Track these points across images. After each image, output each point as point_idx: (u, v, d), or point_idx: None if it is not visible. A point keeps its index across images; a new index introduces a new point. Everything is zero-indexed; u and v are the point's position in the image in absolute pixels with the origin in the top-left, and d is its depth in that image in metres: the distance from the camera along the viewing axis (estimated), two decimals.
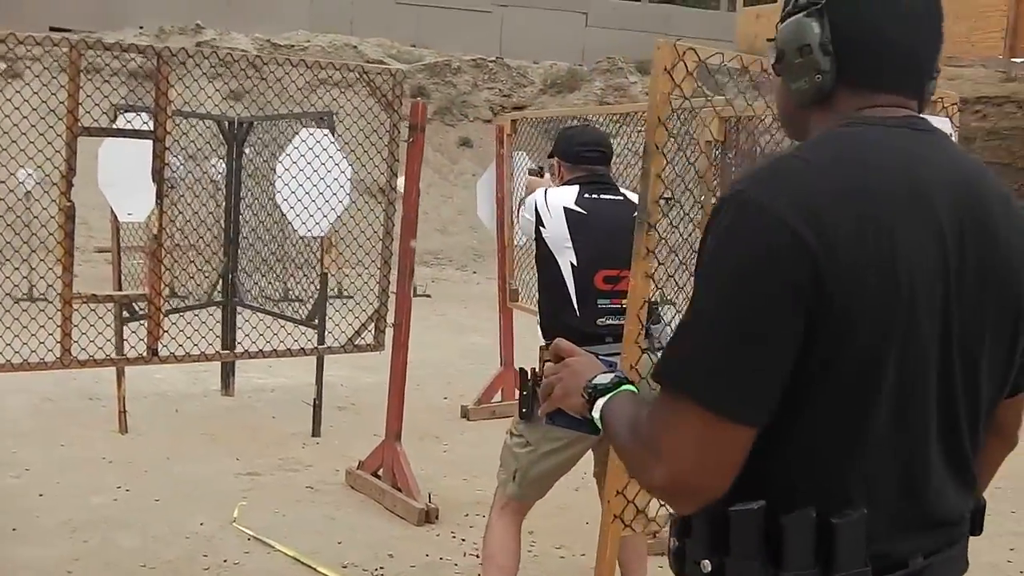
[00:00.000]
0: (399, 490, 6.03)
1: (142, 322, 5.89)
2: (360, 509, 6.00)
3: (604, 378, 1.80)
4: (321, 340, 7.15)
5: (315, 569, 5.08)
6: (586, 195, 4.18)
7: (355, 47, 19.15)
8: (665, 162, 3.49)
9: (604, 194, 4.24)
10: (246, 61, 5.89)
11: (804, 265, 1.50)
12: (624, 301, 4.04)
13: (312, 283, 8.09)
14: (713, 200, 5.49)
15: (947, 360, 1.63)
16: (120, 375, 6.95)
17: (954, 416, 1.66)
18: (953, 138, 4.71)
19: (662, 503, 1.89)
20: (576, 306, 4.10)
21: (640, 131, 17.50)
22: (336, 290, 10.51)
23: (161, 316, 5.14)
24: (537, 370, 4.11)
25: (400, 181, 6.13)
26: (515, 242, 8.19)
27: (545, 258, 4.18)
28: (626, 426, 1.68)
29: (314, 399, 7.44)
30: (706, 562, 1.63)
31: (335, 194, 6.77)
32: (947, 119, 4.62)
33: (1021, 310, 1.70)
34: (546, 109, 18.38)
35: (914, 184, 1.60)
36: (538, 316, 4.30)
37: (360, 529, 5.69)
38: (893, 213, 1.56)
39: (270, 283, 8.76)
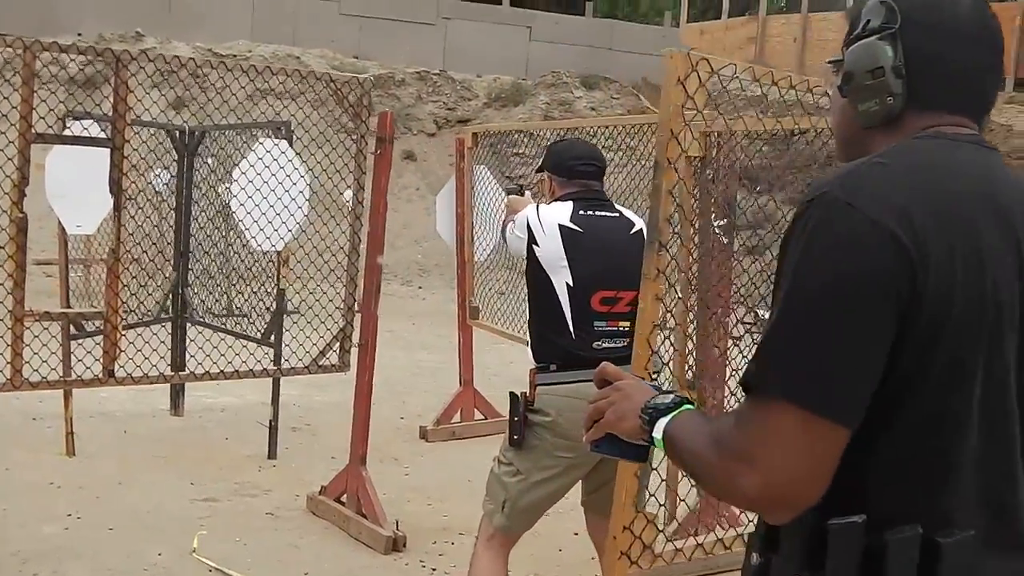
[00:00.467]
0: (364, 517, 5.78)
1: (89, 339, 5.64)
2: (324, 537, 5.74)
3: (664, 399, 1.78)
4: (278, 359, 6.88)
5: None
6: (581, 212, 3.99)
7: (298, 57, 18.84)
8: (677, 178, 3.31)
9: (599, 211, 4.05)
10: (193, 66, 5.62)
11: (899, 262, 1.51)
12: (622, 323, 3.92)
13: (261, 299, 7.81)
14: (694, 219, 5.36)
15: None
16: (68, 396, 6.62)
17: None
18: None
19: (751, 514, 1.82)
20: (572, 328, 3.90)
21: (605, 146, 17.34)
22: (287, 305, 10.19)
23: (119, 335, 4.85)
24: (528, 395, 3.93)
25: (348, 194, 5.92)
26: (476, 258, 7.99)
27: (538, 278, 3.97)
28: (705, 441, 1.64)
29: (270, 420, 7.17)
30: None
31: (294, 207, 6.55)
32: None
33: None
34: (505, 122, 18.19)
35: (991, 195, 1.63)
36: (528, 339, 4.09)
37: (325, 558, 5.44)
38: (976, 219, 1.58)
39: (217, 299, 8.42)
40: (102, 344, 4.90)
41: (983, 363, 1.57)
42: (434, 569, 5.42)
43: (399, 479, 6.83)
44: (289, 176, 6.50)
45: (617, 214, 4.10)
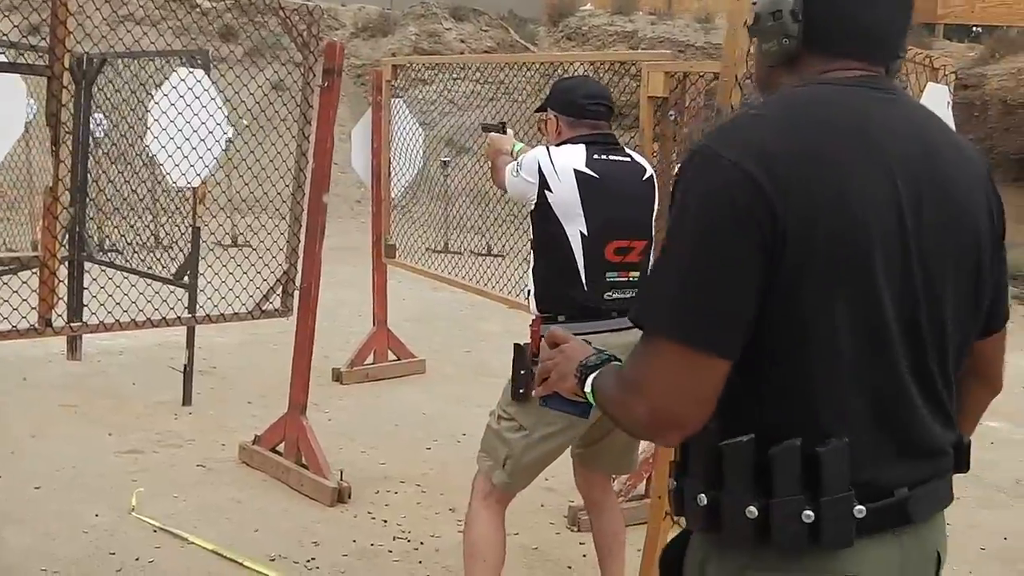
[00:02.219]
0: (305, 467, 5.51)
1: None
2: (265, 490, 5.46)
3: (594, 358, 1.93)
4: (193, 300, 6.50)
5: (242, 564, 4.55)
6: (595, 156, 3.71)
7: None
8: None
9: (613, 155, 3.79)
10: None
11: (758, 201, 1.63)
12: (632, 274, 3.74)
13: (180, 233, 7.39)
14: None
15: (910, 297, 1.72)
16: None
17: (922, 350, 1.76)
18: (949, 104, 4.51)
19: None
20: (584, 279, 3.68)
21: (475, 79, 17.02)
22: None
23: (57, 281, 4.46)
24: (532, 347, 3.69)
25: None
26: (392, 195, 7.71)
27: (548, 225, 3.70)
28: (613, 383, 1.82)
29: (184, 365, 6.81)
30: (702, 496, 1.74)
31: (212, 141, 6.16)
32: (945, 87, 4.44)
33: (980, 249, 1.83)
34: (433, 55, 17.73)
35: (864, 131, 1.73)
36: (531, 286, 3.83)
37: (272, 514, 5.17)
38: (842, 155, 1.69)
39: (126, 235, 7.93)
40: (38, 290, 4.48)
41: (852, 291, 1.67)
42: (385, 521, 5.21)
43: (323, 425, 6.52)
44: (206, 107, 6.10)
45: (629, 159, 3.85)
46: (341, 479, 5.41)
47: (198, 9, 16.66)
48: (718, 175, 1.67)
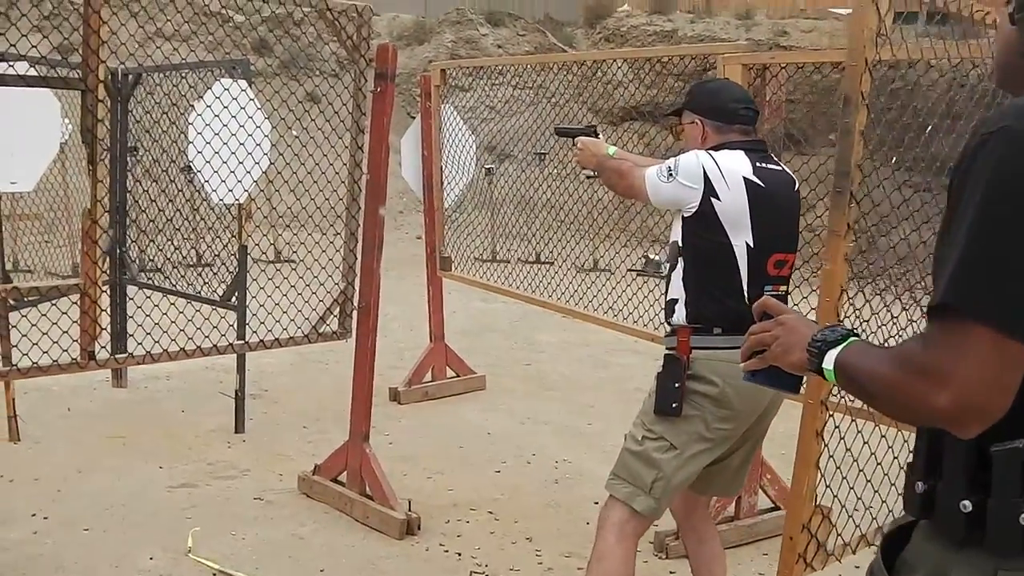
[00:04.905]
0: (370, 498, 5.15)
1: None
2: (328, 524, 5.09)
3: (832, 332, 1.83)
4: (242, 324, 6.16)
5: None
6: (757, 163, 3.47)
7: None
8: (869, 115, 2.75)
9: (770, 163, 3.54)
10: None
11: None
12: (781, 288, 3.51)
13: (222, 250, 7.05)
14: None
15: None
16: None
17: None
18: None
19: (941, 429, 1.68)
20: (746, 292, 3.42)
21: (513, 84, 16.66)
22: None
23: (98, 310, 4.12)
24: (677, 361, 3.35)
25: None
26: (445, 204, 7.36)
27: (710, 234, 3.43)
28: (887, 364, 1.68)
29: (236, 390, 6.46)
30: (966, 503, 1.65)
31: (258, 154, 5.85)
32: None
33: None
34: (478, 58, 17.44)
35: None
36: (678, 295, 3.53)
37: (338, 550, 4.80)
38: None
39: (164, 254, 7.59)
40: (80, 321, 4.12)
41: None
42: (459, 554, 4.84)
43: (383, 449, 6.16)
44: (251, 119, 5.78)
45: (780, 167, 3.60)
46: (409, 509, 5.05)
47: (231, 23, 16.45)
48: None
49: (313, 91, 17.39)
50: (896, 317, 3.41)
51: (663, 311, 3.67)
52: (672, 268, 3.56)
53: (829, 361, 1.80)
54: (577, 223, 13.41)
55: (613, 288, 6.92)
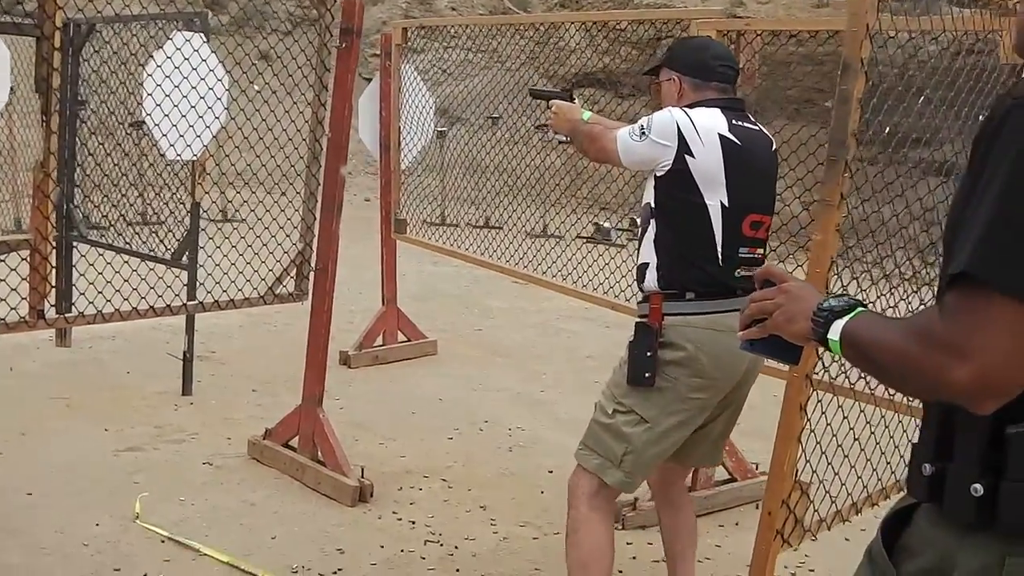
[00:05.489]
0: (323, 464, 5.05)
1: None
2: (279, 490, 5.00)
3: (838, 301, 1.77)
4: (193, 284, 6.01)
5: None
6: (734, 121, 3.38)
7: None
8: (868, 82, 2.68)
9: (746, 122, 3.45)
10: None
11: None
12: (758, 251, 3.43)
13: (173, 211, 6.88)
14: None
15: None
16: None
17: None
18: None
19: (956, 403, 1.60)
20: (720, 254, 3.34)
21: (466, 47, 16.51)
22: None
23: (49, 267, 3.98)
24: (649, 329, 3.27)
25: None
26: (401, 167, 7.24)
27: (683, 193, 3.34)
28: (900, 336, 1.63)
29: (184, 352, 6.32)
30: (977, 485, 1.60)
31: (212, 110, 5.70)
32: None
33: None
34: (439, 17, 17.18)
35: None
36: (649, 259, 3.42)
37: (289, 517, 4.71)
38: None
39: (108, 212, 7.38)
40: (29, 278, 3.98)
41: None
42: (413, 522, 4.76)
43: (335, 414, 6.00)
44: (207, 75, 5.64)
45: (758, 127, 3.51)
46: (362, 476, 4.96)
47: None
48: None
49: (266, 49, 17.14)
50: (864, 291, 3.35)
51: (635, 277, 3.56)
52: (644, 231, 3.46)
53: (835, 331, 1.74)
54: (527, 188, 13.33)
55: (562, 254, 6.88)
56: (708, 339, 3.26)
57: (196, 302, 5.05)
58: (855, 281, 3.19)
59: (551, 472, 5.49)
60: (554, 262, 6.81)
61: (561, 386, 7.16)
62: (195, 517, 4.61)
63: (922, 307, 3.16)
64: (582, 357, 8.03)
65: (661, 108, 3.49)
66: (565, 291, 6.23)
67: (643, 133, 3.33)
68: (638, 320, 3.42)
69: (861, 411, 2.89)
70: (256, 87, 5.81)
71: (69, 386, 6.30)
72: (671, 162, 3.30)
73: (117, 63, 6.80)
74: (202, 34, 5.77)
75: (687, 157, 3.28)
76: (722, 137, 3.31)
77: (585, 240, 10.87)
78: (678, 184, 3.32)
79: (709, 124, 3.32)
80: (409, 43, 7.33)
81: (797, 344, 1.90)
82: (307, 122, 5.42)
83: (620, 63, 17.37)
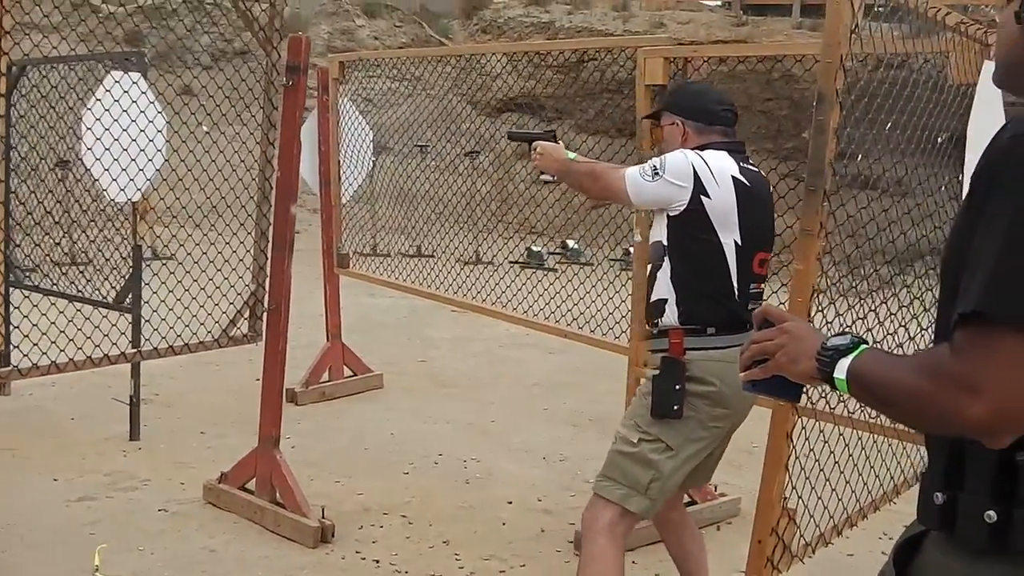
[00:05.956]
0: (282, 506, 4.99)
1: None
2: (239, 535, 4.92)
3: (842, 339, 1.77)
4: (137, 327, 5.92)
5: None
6: (742, 164, 3.54)
7: None
8: (842, 113, 2.71)
9: (749, 163, 3.61)
10: None
11: None
12: (762, 286, 3.61)
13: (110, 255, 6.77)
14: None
15: None
16: None
17: None
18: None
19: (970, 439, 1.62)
20: (736, 290, 3.49)
21: (391, 76, 16.47)
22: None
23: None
24: (649, 363, 3.36)
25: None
26: (343, 200, 7.20)
27: (700, 232, 3.47)
28: (910, 374, 1.63)
29: (130, 396, 6.21)
30: (991, 512, 1.61)
31: (152, 150, 5.63)
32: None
33: None
34: (380, 51, 17.11)
35: None
36: (668, 295, 3.55)
37: (253, 562, 4.64)
38: None
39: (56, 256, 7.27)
40: None
41: None
42: (377, 561, 4.73)
43: (287, 453, 5.91)
44: (144, 115, 5.57)
45: (758, 169, 3.67)
46: (323, 516, 4.91)
47: (102, 13, 15.93)
48: None
49: (190, 83, 17.05)
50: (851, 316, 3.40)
51: (647, 312, 3.68)
52: (657, 268, 3.56)
53: (842, 370, 1.74)
54: (456, 215, 13.36)
55: (500, 280, 6.90)
56: (730, 372, 3.34)
57: (150, 348, 4.96)
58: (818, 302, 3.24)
59: (510, 503, 5.49)
60: (493, 289, 6.83)
61: (511, 415, 7.16)
62: (156, 567, 4.53)
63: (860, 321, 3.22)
64: (528, 384, 8.04)
65: (663, 151, 3.66)
66: (514, 320, 6.23)
67: (656, 173, 3.46)
68: (663, 355, 3.52)
69: (840, 435, 2.93)
70: (205, 128, 5.74)
71: (13, 436, 6.17)
72: (687, 202, 3.43)
73: (46, 106, 6.69)
74: (140, 73, 5.70)
75: (703, 198, 3.42)
76: (734, 179, 3.46)
77: (521, 265, 10.93)
78: (694, 223, 3.45)
79: (722, 166, 3.46)
80: (331, 73, 7.29)
81: (799, 383, 1.90)
82: (243, 160, 5.40)
83: (543, 88, 17.48)
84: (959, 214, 1.71)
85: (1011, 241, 1.55)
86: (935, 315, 1.82)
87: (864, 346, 1.75)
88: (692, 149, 3.55)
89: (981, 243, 1.58)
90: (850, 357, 1.73)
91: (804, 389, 1.95)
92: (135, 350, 4.65)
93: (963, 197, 1.75)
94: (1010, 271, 1.55)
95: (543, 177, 3.92)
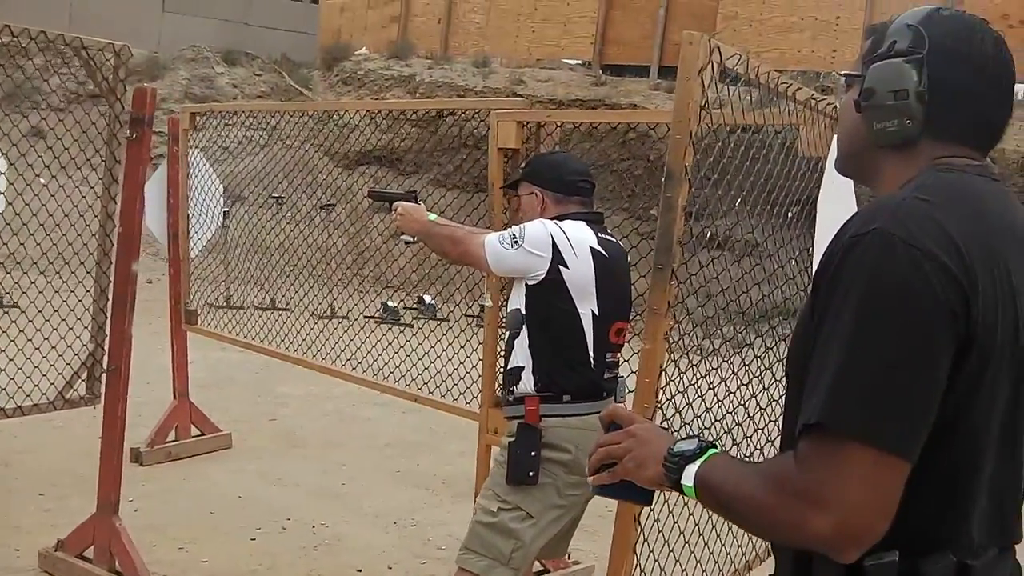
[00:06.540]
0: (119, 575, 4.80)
1: None
2: None
3: (688, 444, 1.75)
4: None
5: None
6: (600, 235, 3.61)
7: None
8: (690, 190, 2.71)
9: (606, 234, 3.68)
10: None
11: (957, 295, 1.53)
12: (618, 355, 3.66)
13: None
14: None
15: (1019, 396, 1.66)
16: None
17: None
18: None
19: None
20: (592, 360, 3.53)
21: (248, 125, 16.27)
22: None
23: None
24: (505, 434, 3.37)
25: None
26: (191, 256, 7.03)
27: (557, 301, 3.52)
28: (755, 484, 1.61)
29: None
30: None
31: None
32: None
33: None
34: (235, 102, 16.82)
35: (1012, 226, 1.69)
36: (524, 363, 3.57)
37: None
38: (1006, 250, 1.63)
39: None
40: None
41: (1010, 390, 1.62)
42: None
43: (129, 516, 5.72)
44: None
45: (615, 239, 3.74)
46: None
47: None
48: (910, 264, 1.54)
49: (40, 126, 16.56)
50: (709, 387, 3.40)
51: (503, 379, 3.73)
52: (515, 336, 3.58)
53: (688, 477, 1.71)
54: (310, 268, 13.22)
55: (355, 336, 6.82)
56: (585, 440, 3.38)
57: None
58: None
59: (359, 572, 5.37)
60: (347, 345, 6.75)
61: (362, 477, 7.03)
62: None
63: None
64: (381, 445, 7.93)
65: (521, 220, 3.72)
66: (365, 383, 6.13)
67: (515, 242, 3.49)
68: (519, 421, 3.53)
69: (690, 513, 2.92)
70: (43, 180, 5.53)
71: None
72: (545, 271, 3.47)
73: None
74: None
75: (561, 268, 3.46)
76: (592, 250, 3.52)
77: (375, 320, 10.81)
78: (552, 293, 3.49)
79: (580, 237, 3.52)
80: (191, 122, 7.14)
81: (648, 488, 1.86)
82: (91, 206, 5.21)
83: (401, 141, 17.48)
84: (803, 310, 1.72)
85: (851, 350, 1.55)
86: (782, 406, 1.83)
87: (712, 451, 1.73)
88: (551, 219, 3.57)
89: (823, 348, 1.58)
90: (697, 463, 1.71)
91: (655, 492, 1.90)
92: None
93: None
94: (851, 381, 1.54)
95: (403, 238, 3.92)
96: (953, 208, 1.62)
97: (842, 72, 1.92)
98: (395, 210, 3.87)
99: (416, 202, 3.90)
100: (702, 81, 2.66)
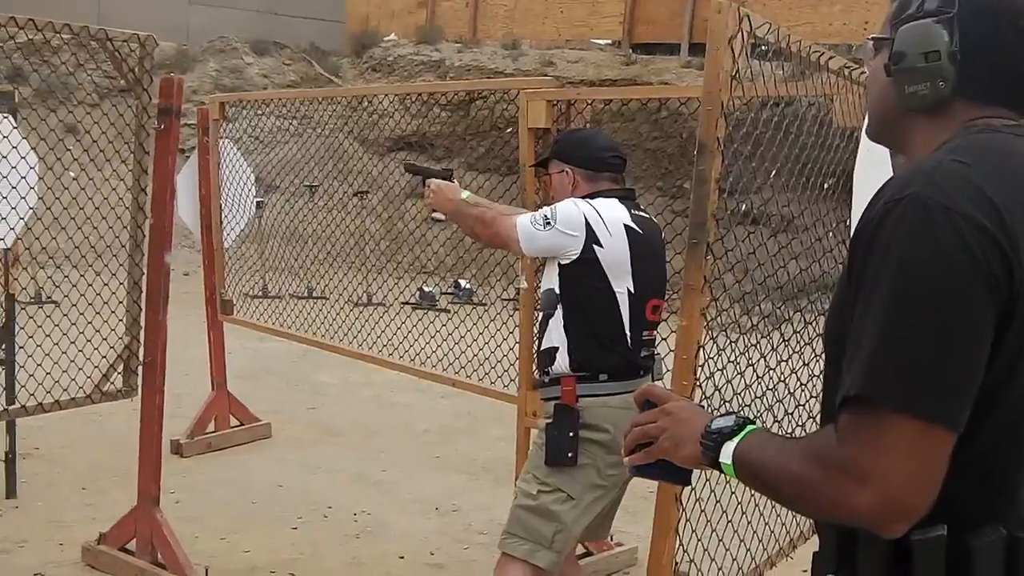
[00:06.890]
0: (164, 567, 4.80)
1: None
2: None
3: (726, 421, 1.70)
4: (11, 380, 5.68)
5: None
6: (633, 211, 3.55)
7: None
8: (723, 163, 2.66)
9: (639, 210, 3.62)
10: None
11: (998, 259, 1.48)
12: (654, 332, 3.62)
13: None
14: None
15: None
16: None
17: None
18: None
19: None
20: (629, 338, 3.48)
21: (280, 114, 16.32)
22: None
23: None
24: (542, 412, 3.33)
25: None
26: (224, 246, 7.03)
27: (592, 280, 3.48)
28: (797, 460, 1.57)
29: (6, 452, 5.94)
30: None
31: (21, 195, 5.40)
32: None
33: None
34: (265, 91, 16.87)
35: None
36: (560, 343, 3.52)
37: None
38: None
39: None
40: None
41: None
42: None
43: (171, 509, 5.74)
44: (15, 158, 5.35)
45: (649, 215, 3.69)
46: None
47: None
48: (948, 228, 1.48)
49: (72, 121, 16.64)
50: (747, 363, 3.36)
51: (537, 360, 3.69)
52: (549, 316, 3.53)
53: (727, 455, 1.67)
54: (345, 255, 13.20)
55: (391, 322, 6.80)
56: (623, 419, 3.30)
57: (18, 406, 4.74)
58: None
59: (402, 558, 5.36)
60: (383, 332, 6.73)
61: (401, 464, 7.02)
62: None
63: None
64: (419, 432, 7.92)
65: (553, 199, 3.66)
66: (402, 368, 6.12)
67: (547, 223, 3.43)
68: (556, 402, 3.48)
69: (732, 491, 2.87)
70: (72, 173, 5.53)
71: None
72: (579, 251, 3.41)
73: None
74: (8, 115, 5.49)
75: (595, 247, 3.41)
76: (627, 227, 3.47)
77: (411, 306, 10.81)
78: (587, 272, 3.44)
79: (614, 215, 3.46)
80: (221, 113, 7.12)
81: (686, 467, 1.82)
82: (121, 198, 5.20)
83: (432, 126, 17.45)
84: (839, 281, 1.67)
85: (889, 319, 1.50)
86: (821, 382, 1.78)
87: (750, 427, 1.69)
88: (582, 197, 3.53)
89: (861, 318, 1.53)
90: (735, 440, 1.67)
91: (693, 472, 1.86)
92: (3, 407, 4.42)
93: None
94: (890, 351, 1.50)
95: (434, 215, 3.86)
96: (991, 169, 1.56)
97: (870, 36, 1.84)
98: (428, 186, 3.83)
99: (451, 180, 3.86)
100: (732, 51, 2.60)
